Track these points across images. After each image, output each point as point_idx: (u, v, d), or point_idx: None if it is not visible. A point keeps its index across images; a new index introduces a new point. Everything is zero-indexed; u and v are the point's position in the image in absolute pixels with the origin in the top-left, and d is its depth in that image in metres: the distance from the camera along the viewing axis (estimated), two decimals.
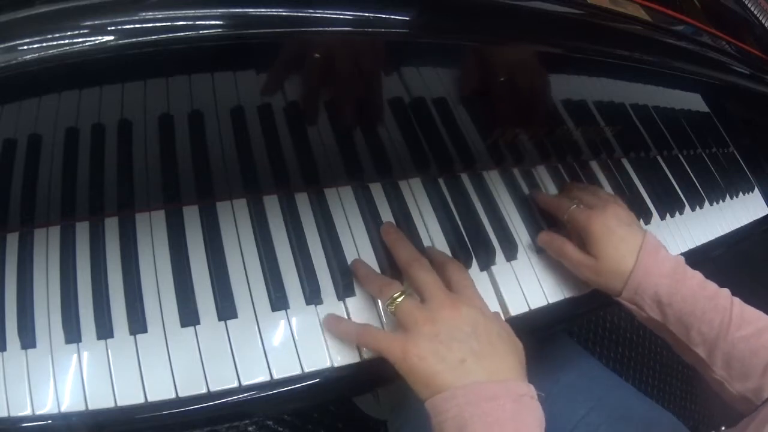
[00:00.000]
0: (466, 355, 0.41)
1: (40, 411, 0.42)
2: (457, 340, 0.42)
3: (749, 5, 0.81)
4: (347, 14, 0.38)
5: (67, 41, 0.31)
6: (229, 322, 0.47)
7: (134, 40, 0.33)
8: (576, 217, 0.57)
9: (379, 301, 0.49)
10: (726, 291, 0.53)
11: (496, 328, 0.45)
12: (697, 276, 0.53)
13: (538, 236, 0.59)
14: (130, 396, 0.43)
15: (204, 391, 0.44)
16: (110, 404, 0.42)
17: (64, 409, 0.42)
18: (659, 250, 0.53)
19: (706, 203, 0.83)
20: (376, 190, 0.57)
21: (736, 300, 0.52)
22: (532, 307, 0.57)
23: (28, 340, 0.43)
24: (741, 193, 0.91)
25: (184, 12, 0.34)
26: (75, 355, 0.44)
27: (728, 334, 0.50)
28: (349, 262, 0.52)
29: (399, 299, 0.45)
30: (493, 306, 0.55)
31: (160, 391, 0.43)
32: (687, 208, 0.79)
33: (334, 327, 0.47)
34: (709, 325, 0.50)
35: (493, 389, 0.40)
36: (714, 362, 0.51)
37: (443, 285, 0.46)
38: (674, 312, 0.51)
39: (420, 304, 0.45)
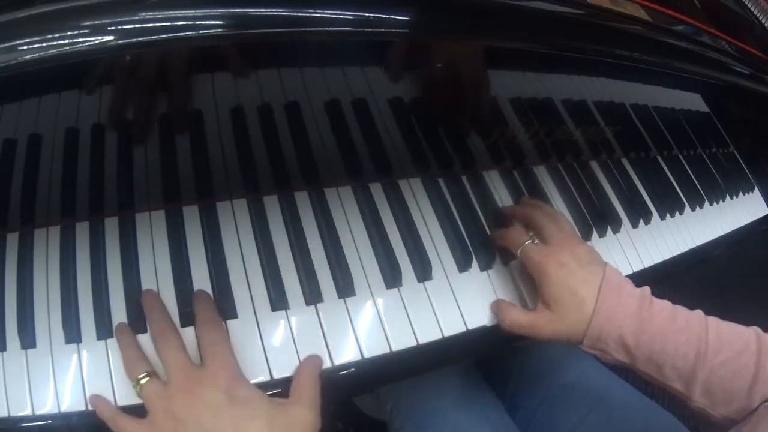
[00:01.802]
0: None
1: (40, 411, 0.42)
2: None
3: (749, 5, 0.81)
4: (347, 14, 0.38)
5: (67, 41, 0.31)
6: (229, 322, 0.47)
7: (134, 40, 0.33)
8: (529, 254, 0.51)
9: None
10: (699, 315, 0.49)
11: (247, 411, 0.39)
12: (665, 308, 0.48)
13: (493, 305, 0.54)
14: (129, 396, 0.43)
15: None
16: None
17: (64, 409, 0.42)
18: (622, 287, 0.48)
19: (706, 203, 0.83)
20: (376, 190, 0.57)
21: (712, 322, 0.48)
22: (532, 307, 0.57)
23: (28, 340, 0.44)
24: (741, 193, 0.91)
25: (184, 12, 0.34)
26: (75, 355, 0.44)
27: (706, 363, 0.45)
28: (349, 262, 0.52)
29: (143, 381, 0.40)
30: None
31: None
32: (687, 208, 0.79)
33: (96, 403, 0.41)
34: (683, 360, 0.46)
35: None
36: (693, 393, 0.47)
37: (187, 362, 0.40)
38: (643, 353, 0.46)
39: (163, 389, 0.40)
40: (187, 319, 0.46)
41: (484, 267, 0.57)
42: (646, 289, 0.49)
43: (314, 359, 0.46)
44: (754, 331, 0.48)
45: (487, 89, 0.58)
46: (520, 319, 0.50)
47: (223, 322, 0.47)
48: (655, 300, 0.49)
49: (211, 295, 0.47)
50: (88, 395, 0.42)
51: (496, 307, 0.53)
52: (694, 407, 0.48)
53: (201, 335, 0.42)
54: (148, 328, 0.45)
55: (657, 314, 0.47)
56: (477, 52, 0.53)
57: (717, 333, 0.47)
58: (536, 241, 0.52)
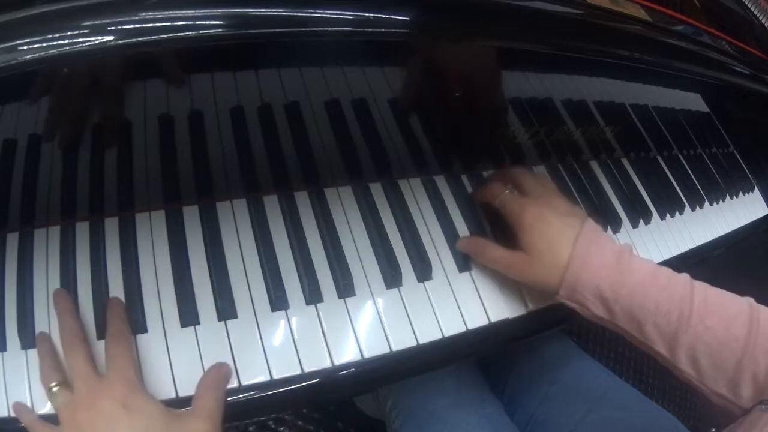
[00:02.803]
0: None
1: (41, 411, 0.42)
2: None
3: (749, 5, 0.81)
4: (347, 14, 0.38)
5: (67, 41, 0.31)
6: (229, 322, 0.47)
7: (134, 40, 0.33)
8: (507, 203, 0.51)
9: None
10: (685, 277, 0.46)
11: (143, 423, 0.38)
12: (647, 265, 0.46)
13: (456, 244, 0.53)
14: None
15: None
16: None
17: None
18: (600, 239, 0.47)
19: (706, 203, 0.83)
20: (376, 190, 0.57)
21: (699, 285, 0.45)
22: (532, 308, 0.57)
23: (27, 341, 0.44)
24: (741, 193, 0.91)
25: (184, 12, 0.34)
26: None
27: (689, 327, 0.43)
28: (349, 262, 0.52)
29: (54, 390, 0.40)
30: (493, 306, 0.55)
31: (160, 391, 0.43)
32: (687, 208, 0.79)
33: (18, 410, 0.41)
34: (666, 319, 0.43)
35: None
36: (678, 359, 0.44)
37: (91, 373, 0.40)
38: (622, 307, 0.44)
39: (70, 399, 0.40)
40: (187, 318, 0.46)
41: (484, 267, 0.57)
42: (628, 245, 0.48)
43: (218, 369, 0.44)
44: (747, 301, 0.45)
45: (492, 89, 0.58)
46: (496, 254, 0.50)
47: (223, 323, 0.47)
48: (636, 256, 0.47)
49: (212, 296, 0.48)
50: None
51: (472, 243, 0.52)
52: (682, 378, 0.46)
53: (106, 347, 0.42)
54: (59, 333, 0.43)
55: (637, 269, 0.45)
56: (483, 52, 0.53)
57: (704, 297, 0.45)
58: (515, 193, 0.52)
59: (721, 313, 0.44)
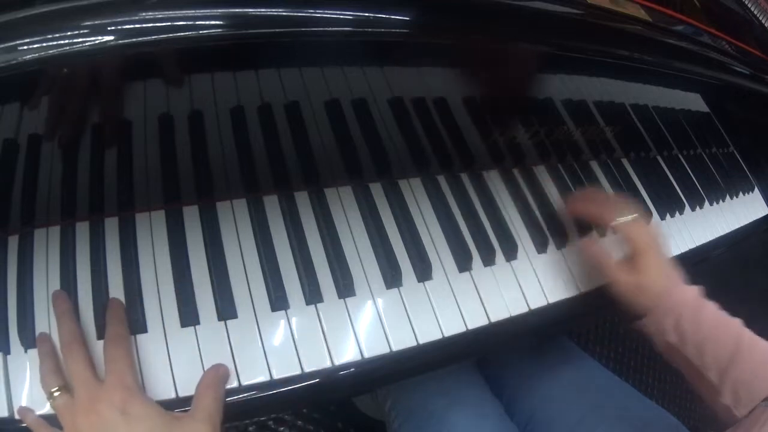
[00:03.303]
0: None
1: (41, 411, 0.42)
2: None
3: (749, 5, 0.81)
4: (347, 14, 0.38)
5: (67, 41, 0.32)
6: (229, 322, 0.47)
7: (134, 40, 0.33)
8: (625, 227, 0.57)
9: None
10: (738, 321, 0.55)
11: (142, 427, 0.39)
12: (711, 305, 0.55)
13: (583, 243, 0.60)
14: None
15: None
16: None
17: None
18: (681, 278, 0.57)
19: (706, 203, 0.83)
20: (376, 190, 0.57)
21: (747, 330, 0.54)
22: (532, 308, 0.57)
23: (28, 341, 0.43)
24: (741, 193, 0.91)
25: (184, 12, 0.34)
26: None
27: (739, 361, 0.51)
28: (349, 262, 0.52)
29: (56, 395, 0.40)
30: (493, 305, 0.55)
31: (160, 391, 0.43)
32: (687, 208, 0.79)
33: (23, 414, 0.42)
34: (723, 350, 0.52)
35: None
36: (723, 388, 0.52)
37: (90, 377, 0.41)
38: (691, 338, 0.53)
39: (71, 403, 0.40)
40: (187, 318, 0.46)
41: (484, 266, 0.57)
42: (698, 287, 0.56)
43: (216, 370, 0.44)
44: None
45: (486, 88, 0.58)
46: (614, 267, 0.56)
47: (223, 323, 0.47)
48: (703, 297, 0.56)
49: (212, 296, 0.48)
50: None
51: (595, 248, 0.59)
52: (721, 405, 0.53)
53: (105, 350, 0.42)
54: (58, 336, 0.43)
55: (706, 307, 0.54)
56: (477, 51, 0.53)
57: (750, 338, 0.53)
58: (629, 216, 0.58)
59: (763, 353, 0.52)
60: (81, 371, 0.41)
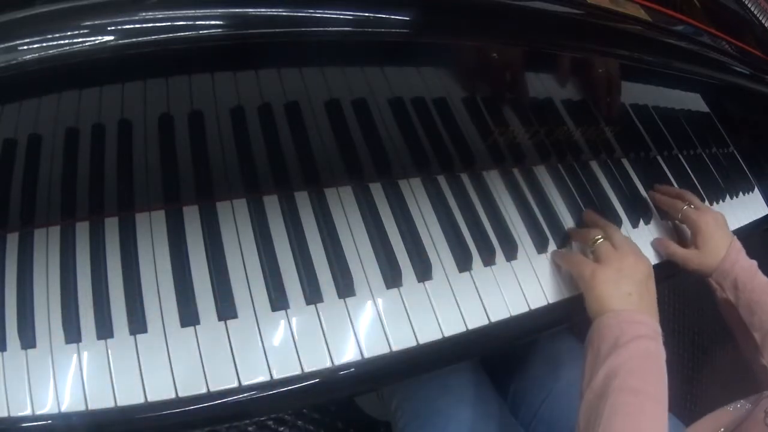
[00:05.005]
0: (632, 291, 0.54)
1: (40, 411, 0.42)
2: (631, 279, 0.55)
3: (749, 5, 0.81)
4: (347, 14, 0.38)
5: (67, 41, 0.32)
6: (229, 322, 0.47)
7: (134, 40, 0.33)
8: (689, 215, 0.70)
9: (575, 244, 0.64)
10: None
11: (653, 282, 0.57)
12: (764, 277, 0.67)
13: (656, 241, 0.72)
14: (130, 396, 0.43)
15: (204, 391, 0.44)
16: (110, 404, 0.42)
17: (64, 409, 0.42)
18: (741, 250, 0.69)
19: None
20: (376, 190, 0.57)
21: None
22: (532, 307, 0.57)
23: (28, 340, 0.43)
24: (741, 193, 0.91)
25: (184, 12, 0.34)
26: (75, 355, 0.44)
27: None
28: (349, 262, 0.52)
29: (599, 241, 0.59)
30: (493, 305, 0.55)
31: (160, 391, 0.43)
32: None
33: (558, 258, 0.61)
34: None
35: (644, 318, 0.52)
36: (765, 348, 0.63)
37: (620, 238, 0.59)
38: (745, 297, 0.66)
39: (612, 248, 0.58)
40: (187, 318, 0.46)
41: (484, 266, 0.57)
42: (755, 261, 0.69)
43: None
44: None
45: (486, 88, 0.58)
46: (677, 252, 0.70)
47: (223, 323, 0.47)
48: (759, 270, 0.68)
49: (212, 296, 0.48)
50: (87, 395, 0.42)
51: (660, 243, 0.72)
52: (760, 365, 0.64)
53: (613, 233, 0.60)
54: (595, 222, 0.63)
55: (759, 277, 0.67)
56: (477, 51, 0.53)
57: None
58: (692, 207, 0.71)
59: None
60: (626, 239, 0.59)
